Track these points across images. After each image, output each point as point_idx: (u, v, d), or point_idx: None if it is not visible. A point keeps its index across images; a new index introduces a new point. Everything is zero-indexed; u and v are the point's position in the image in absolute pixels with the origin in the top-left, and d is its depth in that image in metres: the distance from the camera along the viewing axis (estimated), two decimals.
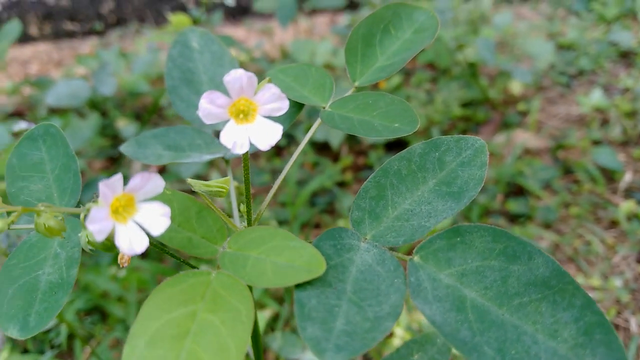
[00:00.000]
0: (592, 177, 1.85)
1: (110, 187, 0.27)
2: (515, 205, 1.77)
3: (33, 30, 3.17)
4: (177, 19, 1.29)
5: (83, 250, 0.38)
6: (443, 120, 2.18)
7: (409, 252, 0.36)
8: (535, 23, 2.65)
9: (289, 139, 2.16)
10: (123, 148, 0.53)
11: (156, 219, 0.29)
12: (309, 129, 2.10)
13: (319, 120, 0.46)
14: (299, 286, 0.32)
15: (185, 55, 0.59)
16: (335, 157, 2.14)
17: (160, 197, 0.33)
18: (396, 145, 2.17)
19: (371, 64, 0.49)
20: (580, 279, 1.58)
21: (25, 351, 1.51)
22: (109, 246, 0.33)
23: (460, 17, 2.28)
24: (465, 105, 2.28)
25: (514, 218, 1.78)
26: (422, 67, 2.51)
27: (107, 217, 0.28)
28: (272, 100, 0.33)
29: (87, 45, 3.08)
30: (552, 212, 1.73)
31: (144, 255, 1.72)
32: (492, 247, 0.33)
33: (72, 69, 2.71)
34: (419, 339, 0.55)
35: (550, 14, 2.80)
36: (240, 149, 0.32)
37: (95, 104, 2.24)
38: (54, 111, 2.18)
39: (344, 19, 2.66)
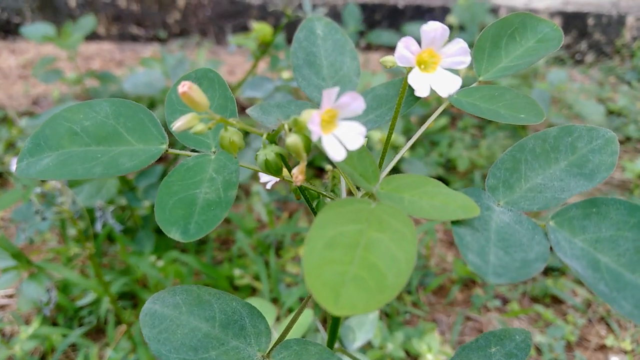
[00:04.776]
0: None
1: (329, 96, 0.31)
2: (549, 259, 1.78)
3: (100, 29, 3.33)
4: (259, 27, 1.37)
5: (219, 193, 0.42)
6: (487, 165, 2.21)
7: (541, 220, 0.39)
8: (586, 87, 2.69)
9: None
10: (249, 111, 0.58)
11: (354, 135, 0.33)
12: None
13: (447, 102, 0.50)
14: (454, 223, 0.35)
15: (309, 39, 0.64)
16: None
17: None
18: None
19: (496, 63, 0.53)
20: (610, 340, 1.56)
21: (54, 324, 1.54)
22: (279, 169, 0.37)
23: None
24: None
25: (547, 271, 1.78)
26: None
27: (320, 124, 0.32)
28: (458, 53, 0.37)
29: (149, 50, 3.21)
30: None
31: (183, 250, 1.75)
32: (626, 220, 0.36)
33: (133, 69, 2.83)
34: (497, 333, 0.57)
35: (600, 79, 2.85)
36: (422, 93, 0.36)
37: (153, 102, 2.33)
38: None
39: None
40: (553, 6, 3.23)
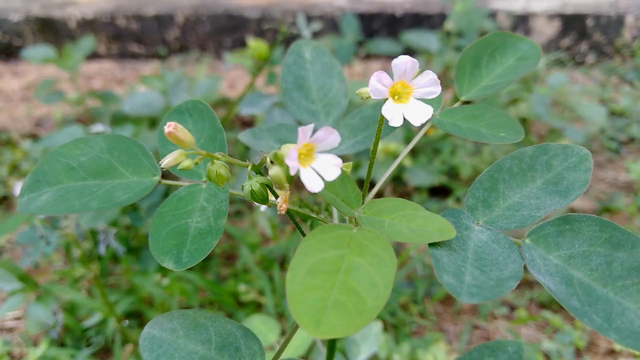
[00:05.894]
0: None
1: (304, 133, 0.33)
2: None
3: (101, 48, 3.37)
4: (255, 44, 1.39)
5: (215, 214, 0.44)
6: None
7: (517, 237, 0.41)
8: (588, 88, 2.70)
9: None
10: (241, 136, 0.60)
11: (330, 167, 0.35)
12: (357, 165, 2.15)
13: (428, 125, 0.51)
14: (431, 245, 0.37)
15: (298, 63, 0.66)
16: (379, 196, 2.18)
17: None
18: (440, 192, 2.20)
19: (477, 82, 0.55)
20: (619, 345, 1.56)
21: (62, 345, 1.56)
22: (265, 198, 0.38)
23: None
24: None
25: None
26: None
27: (297, 158, 0.33)
28: (429, 84, 0.39)
29: (149, 68, 3.25)
30: None
31: (190, 268, 1.77)
32: (598, 236, 0.37)
33: (134, 87, 2.86)
34: (490, 344, 0.58)
35: (602, 80, 2.85)
36: (396, 123, 0.38)
37: (154, 121, 2.36)
38: (117, 122, 2.30)
39: None
40: (552, 8, 3.25)
